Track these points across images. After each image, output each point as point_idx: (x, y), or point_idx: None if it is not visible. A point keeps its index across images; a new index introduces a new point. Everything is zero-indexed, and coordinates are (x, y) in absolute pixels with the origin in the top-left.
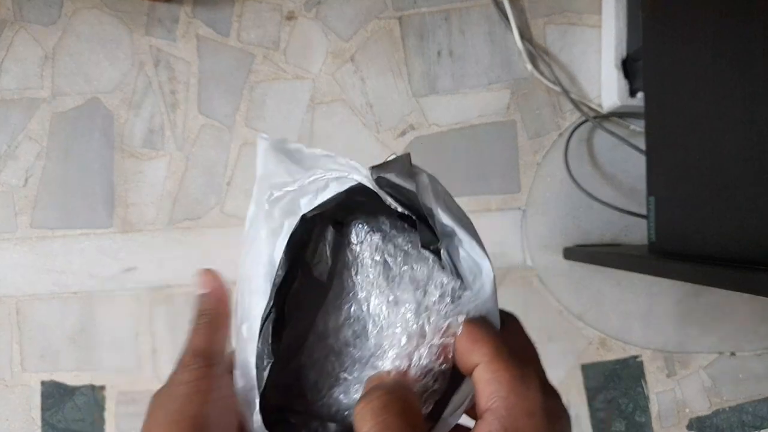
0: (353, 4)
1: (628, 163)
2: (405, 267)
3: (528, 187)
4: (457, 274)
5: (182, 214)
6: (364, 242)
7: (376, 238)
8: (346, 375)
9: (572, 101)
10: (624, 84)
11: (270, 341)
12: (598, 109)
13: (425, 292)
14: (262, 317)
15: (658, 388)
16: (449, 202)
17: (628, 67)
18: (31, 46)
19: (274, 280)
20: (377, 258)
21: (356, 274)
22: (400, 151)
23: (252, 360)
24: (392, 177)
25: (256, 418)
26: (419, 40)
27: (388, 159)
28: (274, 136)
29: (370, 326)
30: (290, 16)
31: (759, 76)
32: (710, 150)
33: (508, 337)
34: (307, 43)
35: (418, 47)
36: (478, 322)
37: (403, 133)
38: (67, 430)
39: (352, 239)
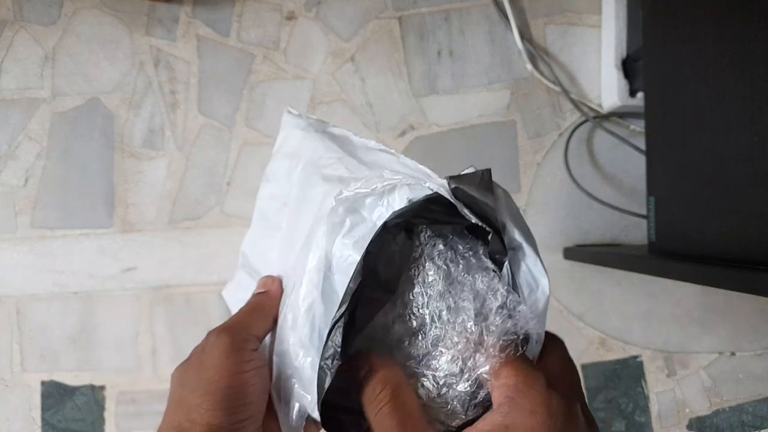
0: (353, 5)
1: (628, 163)
2: (466, 275)
3: (528, 187)
4: (513, 287)
5: (182, 214)
6: (429, 247)
7: (440, 244)
8: None
9: (572, 101)
10: (624, 84)
11: (340, 344)
12: (598, 109)
13: (484, 300)
14: (333, 320)
15: (658, 388)
16: (519, 217)
17: (628, 67)
18: (31, 46)
19: (349, 284)
20: (440, 263)
21: (419, 277)
22: (400, 151)
23: (291, 349)
24: (470, 189)
25: (315, 415)
26: (419, 40)
27: (466, 171)
28: (292, 119)
29: (428, 327)
30: (290, 16)
31: (759, 76)
32: (710, 150)
33: (549, 360)
34: (307, 43)
35: (418, 47)
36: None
37: (403, 133)
38: (67, 430)
39: (418, 244)
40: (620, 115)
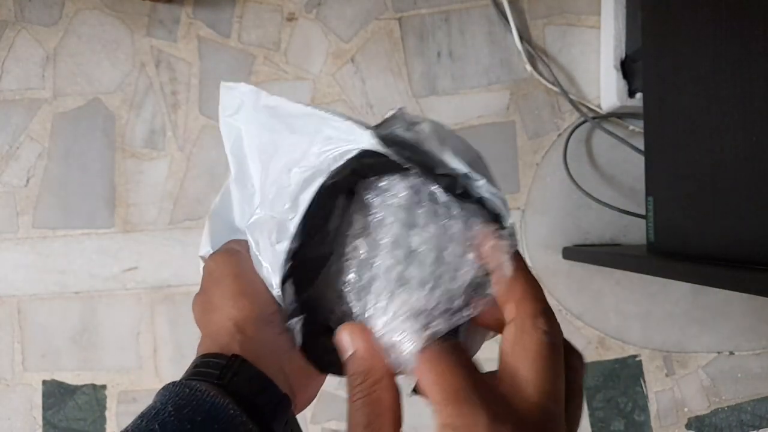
0: (353, 6)
1: (627, 163)
2: (427, 212)
3: (527, 187)
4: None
5: (183, 214)
6: (378, 200)
7: (390, 195)
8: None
9: (571, 102)
10: (623, 84)
11: (293, 301)
12: (597, 109)
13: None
14: (281, 278)
15: (657, 388)
16: (457, 144)
17: (627, 67)
18: (33, 46)
19: (288, 252)
20: (394, 215)
21: (369, 231)
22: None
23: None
24: (396, 132)
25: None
26: (419, 40)
27: (387, 116)
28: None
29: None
30: (291, 17)
31: (758, 77)
32: (709, 150)
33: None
34: (307, 44)
35: (417, 48)
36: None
37: None
38: (68, 429)
39: (364, 200)
40: (619, 115)
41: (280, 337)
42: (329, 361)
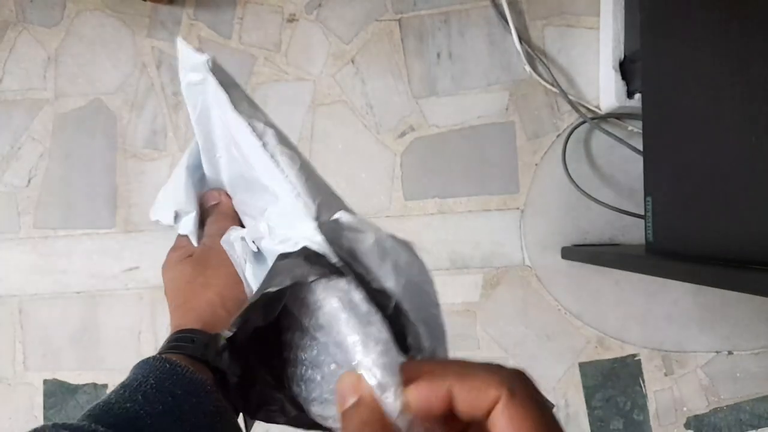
0: (353, 7)
1: (625, 163)
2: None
3: (527, 187)
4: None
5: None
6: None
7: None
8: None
9: (570, 102)
10: (622, 85)
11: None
12: (596, 110)
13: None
14: (224, 344)
15: (656, 387)
16: (398, 260)
17: (625, 68)
18: (34, 47)
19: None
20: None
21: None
22: (399, 152)
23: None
24: (342, 234)
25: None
26: (419, 42)
27: (334, 216)
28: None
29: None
30: (291, 19)
31: (756, 77)
32: (708, 150)
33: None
34: (307, 45)
35: (417, 49)
36: (526, 402)
37: (402, 135)
38: None
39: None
40: (618, 116)
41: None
42: (258, 407)
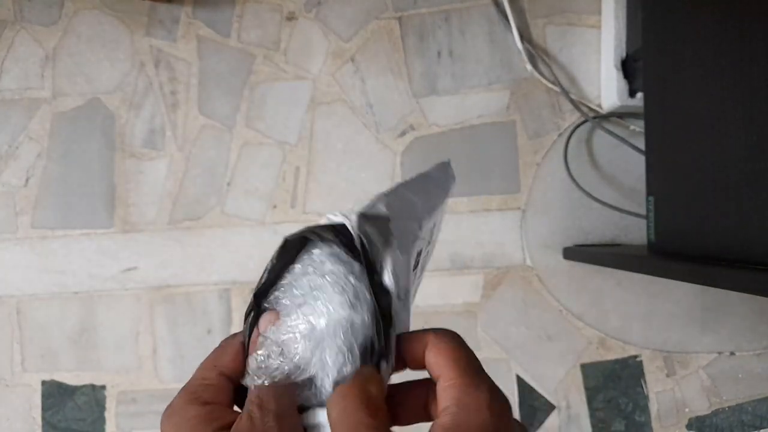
0: (353, 5)
1: (627, 163)
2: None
3: (528, 187)
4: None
5: (182, 214)
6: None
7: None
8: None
9: (572, 101)
10: (623, 84)
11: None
12: (598, 109)
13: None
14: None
15: (658, 388)
16: (400, 264)
17: (627, 67)
18: (32, 46)
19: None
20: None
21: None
22: (399, 151)
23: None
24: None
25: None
26: (419, 40)
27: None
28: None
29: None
30: (290, 17)
31: (759, 76)
32: (710, 150)
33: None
34: (307, 43)
35: (418, 47)
36: (445, 337)
37: (403, 134)
38: (67, 429)
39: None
40: (620, 115)
41: None
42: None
